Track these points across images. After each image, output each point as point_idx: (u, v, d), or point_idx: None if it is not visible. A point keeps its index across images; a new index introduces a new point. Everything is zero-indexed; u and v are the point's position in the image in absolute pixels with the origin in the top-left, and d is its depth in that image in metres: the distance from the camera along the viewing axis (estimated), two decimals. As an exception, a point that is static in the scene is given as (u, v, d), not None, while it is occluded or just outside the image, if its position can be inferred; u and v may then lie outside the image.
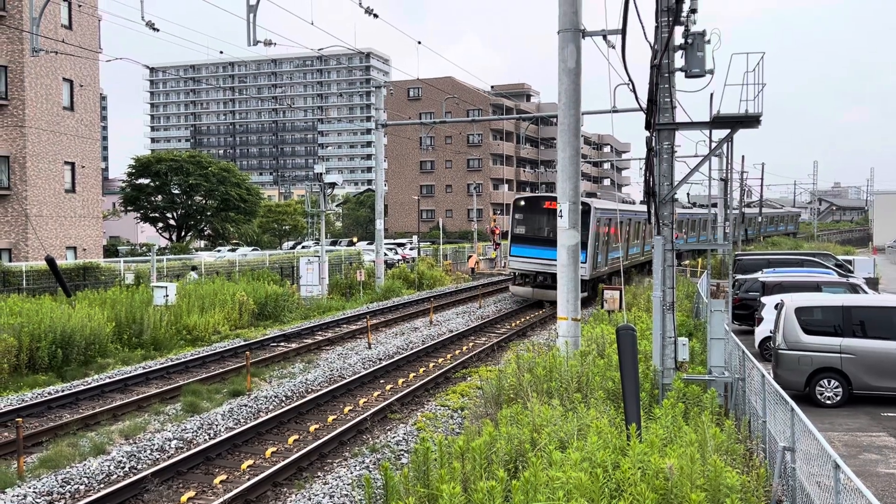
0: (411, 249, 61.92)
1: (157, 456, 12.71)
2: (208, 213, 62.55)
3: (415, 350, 21.88)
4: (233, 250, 60.45)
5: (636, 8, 12.49)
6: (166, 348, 22.19)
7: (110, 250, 51.83)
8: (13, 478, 11.36)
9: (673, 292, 12.67)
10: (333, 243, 67.05)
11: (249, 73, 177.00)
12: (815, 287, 20.70)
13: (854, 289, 21.04)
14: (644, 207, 15.43)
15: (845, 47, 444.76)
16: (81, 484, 11.35)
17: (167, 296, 24.72)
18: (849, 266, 31.33)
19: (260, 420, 14.41)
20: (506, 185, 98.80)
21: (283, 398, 16.64)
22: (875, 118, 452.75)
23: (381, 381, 18.52)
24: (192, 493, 11.08)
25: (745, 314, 22.94)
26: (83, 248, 41.38)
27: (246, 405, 15.78)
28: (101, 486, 11.43)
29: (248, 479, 11.43)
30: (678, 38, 12.42)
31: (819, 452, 7.48)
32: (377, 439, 13.71)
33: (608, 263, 33.13)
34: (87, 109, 42.35)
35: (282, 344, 23.26)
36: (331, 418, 15.06)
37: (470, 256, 54.84)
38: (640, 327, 16.04)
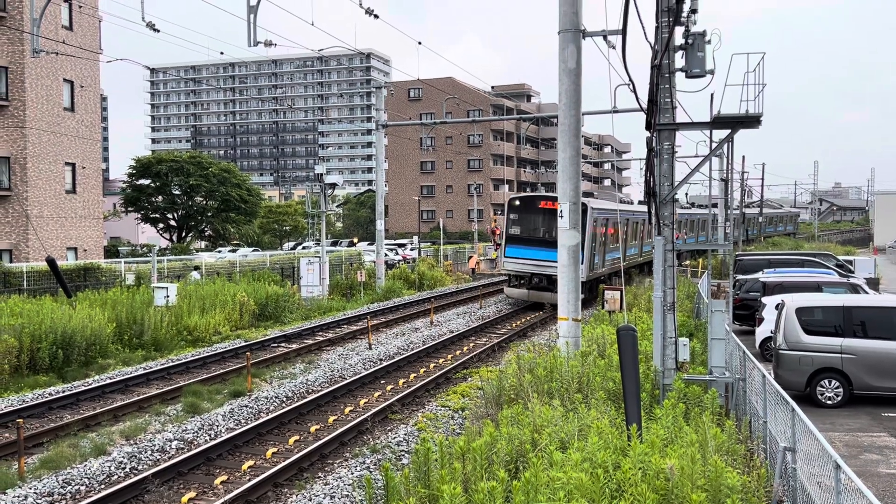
0: (412, 250, 61.93)
1: (158, 456, 12.71)
2: (209, 214, 62.61)
3: (415, 350, 21.88)
4: (233, 251, 60.47)
5: (636, 8, 12.50)
6: (167, 349, 22.19)
7: (111, 251, 51.86)
8: (14, 478, 11.37)
9: (674, 293, 12.66)
10: (334, 244, 67.10)
11: (250, 73, 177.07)
12: (816, 287, 20.69)
13: (855, 289, 21.03)
14: (642, 207, 15.42)
15: (845, 47, 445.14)
16: (82, 485, 11.35)
17: (168, 296, 24.73)
18: (849, 266, 31.32)
19: (261, 421, 14.41)
20: (506, 186, 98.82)
21: (284, 399, 16.64)
22: (875, 118, 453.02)
23: (382, 382, 18.52)
24: (192, 494, 11.09)
25: (746, 314, 22.95)
26: (84, 249, 41.41)
27: (247, 406, 15.79)
28: (102, 486, 11.43)
29: (249, 480, 11.43)
30: (678, 39, 12.42)
31: (820, 453, 7.48)
32: (378, 440, 13.71)
33: (606, 264, 32.94)
34: (87, 110, 42.39)
35: (282, 344, 23.27)
36: (331, 419, 15.06)
37: (470, 257, 54.85)
38: (640, 328, 16.04)
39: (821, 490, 7.51)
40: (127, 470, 12.07)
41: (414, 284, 41.32)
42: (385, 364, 19.90)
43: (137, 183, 60.31)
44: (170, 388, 17.12)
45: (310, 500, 10.80)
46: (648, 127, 12.68)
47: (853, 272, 29.59)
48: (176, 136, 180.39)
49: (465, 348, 23.06)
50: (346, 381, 17.74)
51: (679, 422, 9.48)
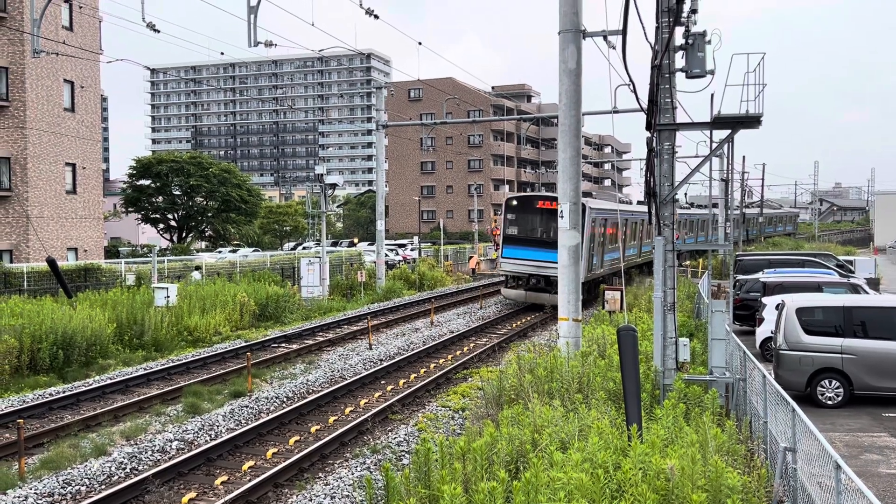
0: (412, 250, 61.94)
1: (159, 457, 12.71)
2: (209, 215, 62.62)
3: (416, 351, 21.88)
4: (234, 251, 60.47)
5: (636, 8, 12.50)
6: (167, 349, 22.20)
7: (111, 251, 51.86)
8: (14, 479, 11.37)
9: (674, 293, 12.66)
10: (334, 244, 67.13)
11: (250, 73, 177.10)
12: (816, 287, 20.68)
13: (855, 289, 21.02)
14: (642, 207, 15.41)
15: (845, 47, 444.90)
16: (82, 485, 11.36)
17: (168, 297, 24.73)
18: (850, 266, 31.31)
19: (261, 421, 14.41)
20: (507, 186, 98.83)
21: (285, 399, 16.64)
22: (875, 118, 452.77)
23: (383, 382, 18.52)
24: (193, 494, 11.09)
25: (746, 315, 22.94)
26: (84, 250, 41.41)
27: (247, 406, 15.79)
28: (103, 487, 11.43)
29: (250, 480, 11.43)
30: (679, 39, 12.42)
31: (820, 453, 7.48)
32: (378, 440, 13.71)
33: (604, 265, 32.79)
34: (87, 110, 42.40)
35: (283, 345, 23.27)
36: (332, 419, 15.06)
37: (471, 257, 54.87)
38: (641, 328, 16.03)
39: (821, 490, 7.51)
40: (127, 470, 12.08)
41: (414, 285, 41.32)
42: (385, 364, 19.91)
43: (138, 183, 60.32)
44: (170, 388, 17.12)
45: (310, 500, 10.80)
46: (649, 127, 12.68)
47: (853, 272, 29.59)
48: (176, 137, 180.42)
49: (465, 348, 23.06)
50: (346, 382, 17.74)
51: (679, 422, 9.48)
